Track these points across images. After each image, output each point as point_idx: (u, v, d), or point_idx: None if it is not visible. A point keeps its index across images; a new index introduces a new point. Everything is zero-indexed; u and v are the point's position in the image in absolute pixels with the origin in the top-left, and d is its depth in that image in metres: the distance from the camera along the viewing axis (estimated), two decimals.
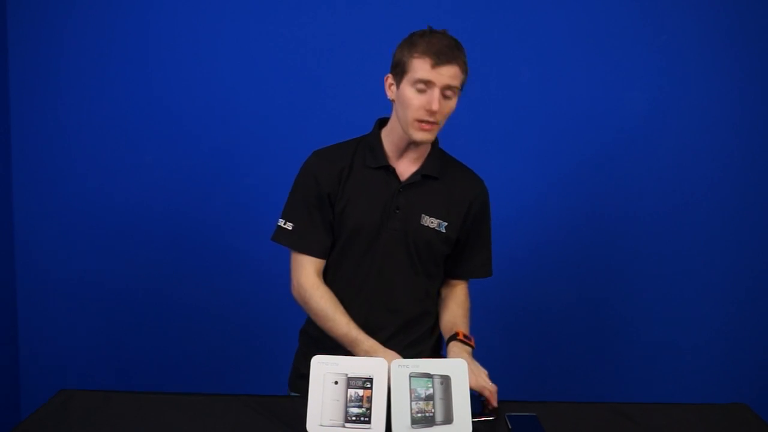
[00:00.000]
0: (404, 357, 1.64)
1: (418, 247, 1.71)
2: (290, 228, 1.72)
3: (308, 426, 1.42)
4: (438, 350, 1.86)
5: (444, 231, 1.72)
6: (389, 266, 1.71)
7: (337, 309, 1.69)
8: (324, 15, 2.53)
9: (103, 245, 2.64)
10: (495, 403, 1.57)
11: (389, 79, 1.67)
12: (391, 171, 1.71)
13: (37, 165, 2.62)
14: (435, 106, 1.58)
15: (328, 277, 1.76)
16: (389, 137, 1.72)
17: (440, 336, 1.84)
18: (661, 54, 2.54)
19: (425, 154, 1.73)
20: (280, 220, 1.74)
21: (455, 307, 1.80)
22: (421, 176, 1.71)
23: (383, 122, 1.76)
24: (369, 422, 1.41)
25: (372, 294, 1.73)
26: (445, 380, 1.45)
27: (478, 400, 1.56)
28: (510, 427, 1.50)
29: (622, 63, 2.55)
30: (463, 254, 1.80)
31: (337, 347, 1.68)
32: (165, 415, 1.53)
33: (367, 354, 1.63)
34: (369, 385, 1.44)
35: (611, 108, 2.56)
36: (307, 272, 1.72)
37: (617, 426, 1.54)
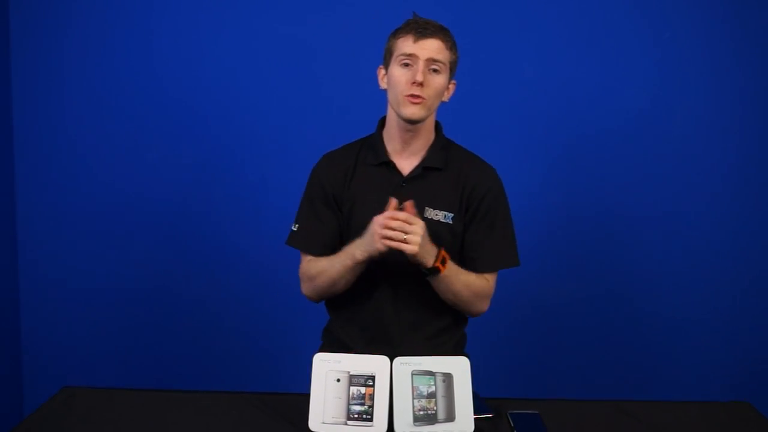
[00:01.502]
0: (428, 348, 1.66)
1: None
2: (296, 229, 1.76)
3: (310, 424, 1.42)
4: (462, 346, 1.83)
5: (451, 222, 1.70)
6: (402, 261, 1.64)
7: (329, 257, 1.69)
8: (330, 14, 2.53)
9: (106, 243, 2.64)
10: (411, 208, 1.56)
11: (381, 71, 1.72)
12: (392, 166, 1.71)
13: (40, 164, 2.61)
14: (419, 77, 1.60)
15: None
16: (388, 132, 1.73)
17: (465, 333, 1.84)
18: (664, 52, 2.54)
19: (427, 146, 1.73)
20: (293, 224, 1.78)
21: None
22: (422, 169, 1.71)
23: (385, 121, 1.77)
24: (371, 420, 1.41)
25: (391, 289, 1.71)
26: (447, 378, 1.45)
27: (479, 398, 1.56)
28: (512, 425, 1.49)
29: (624, 61, 2.54)
30: (482, 245, 1.74)
31: (358, 348, 1.67)
32: (168, 412, 1.54)
33: (358, 247, 1.61)
34: (371, 383, 1.44)
35: (613, 106, 2.55)
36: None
37: (620, 424, 1.54)
